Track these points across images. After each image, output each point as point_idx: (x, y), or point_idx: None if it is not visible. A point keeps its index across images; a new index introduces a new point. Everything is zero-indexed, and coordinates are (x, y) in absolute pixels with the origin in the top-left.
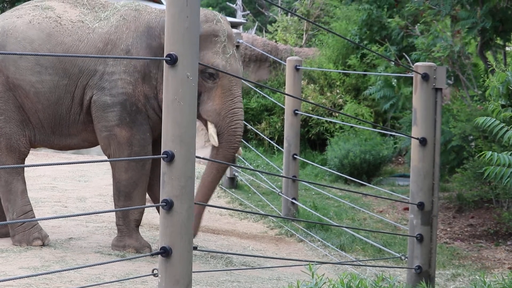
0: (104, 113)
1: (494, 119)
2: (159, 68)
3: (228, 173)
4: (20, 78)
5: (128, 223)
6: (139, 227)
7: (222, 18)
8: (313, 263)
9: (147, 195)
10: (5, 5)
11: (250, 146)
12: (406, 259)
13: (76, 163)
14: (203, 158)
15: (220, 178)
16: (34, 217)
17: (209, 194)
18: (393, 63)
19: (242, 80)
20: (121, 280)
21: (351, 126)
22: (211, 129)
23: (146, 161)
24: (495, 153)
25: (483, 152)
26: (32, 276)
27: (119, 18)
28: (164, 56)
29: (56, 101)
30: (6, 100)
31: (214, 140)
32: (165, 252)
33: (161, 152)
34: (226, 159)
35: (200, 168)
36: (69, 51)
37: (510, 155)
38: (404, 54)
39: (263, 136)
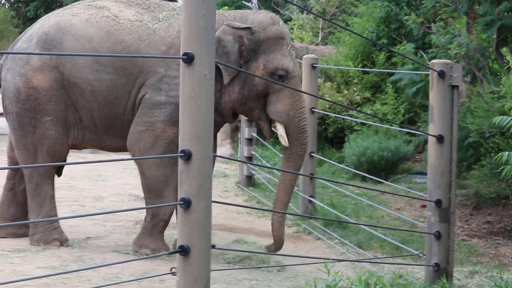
0: (151, 109)
1: (511, 118)
2: (225, 71)
3: (245, 171)
4: (77, 76)
5: (156, 222)
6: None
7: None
8: (330, 260)
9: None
10: (20, 5)
11: (267, 144)
12: (424, 256)
13: (93, 162)
14: (221, 156)
15: (296, 179)
16: (58, 222)
17: (288, 198)
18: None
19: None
20: (139, 279)
21: (371, 125)
22: (281, 130)
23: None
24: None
25: (500, 154)
26: (50, 275)
27: (180, 23)
28: (181, 54)
29: (113, 100)
30: (57, 99)
31: (285, 141)
32: (184, 251)
33: (179, 151)
34: (299, 156)
35: (217, 166)
36: (129, 50)
37: None
38: (420, 51)
39: None
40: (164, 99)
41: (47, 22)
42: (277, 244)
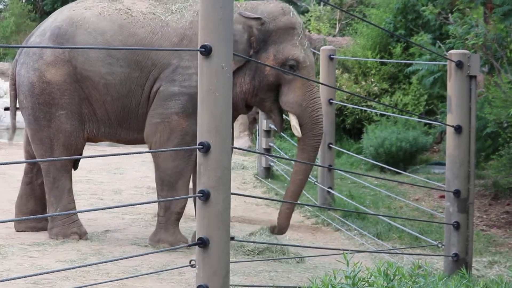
0: (165, 101)
1: None
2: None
3: (263, 163)
4: (89, 69)
5: (169, 216)
6: None
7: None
8: (350, 251)
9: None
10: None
11: (285, 136)
12: (443, 246)
13: (111, 155)
14: (239, 148)
15: (310, 170)
16: (77, 216)
17: (300, 189)
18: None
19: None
20: (158, 272)
21: (389, 116)
22: (293, 120)
23: (193, 151)
24: None
25: None
26: (69, 269)
27: (193, 14)
28: (198, 47)
29: (126, 94)
30: (71, 93)
31: (298, 132)
32: (203, 243)
33: (197, 143)
34: (313, 148)
35: (236, 158)
36: (142, 43)
37: None
38: (438, 42)
39: None
40: (177, 90)
41: (60, 16)
42: (280, 230)
